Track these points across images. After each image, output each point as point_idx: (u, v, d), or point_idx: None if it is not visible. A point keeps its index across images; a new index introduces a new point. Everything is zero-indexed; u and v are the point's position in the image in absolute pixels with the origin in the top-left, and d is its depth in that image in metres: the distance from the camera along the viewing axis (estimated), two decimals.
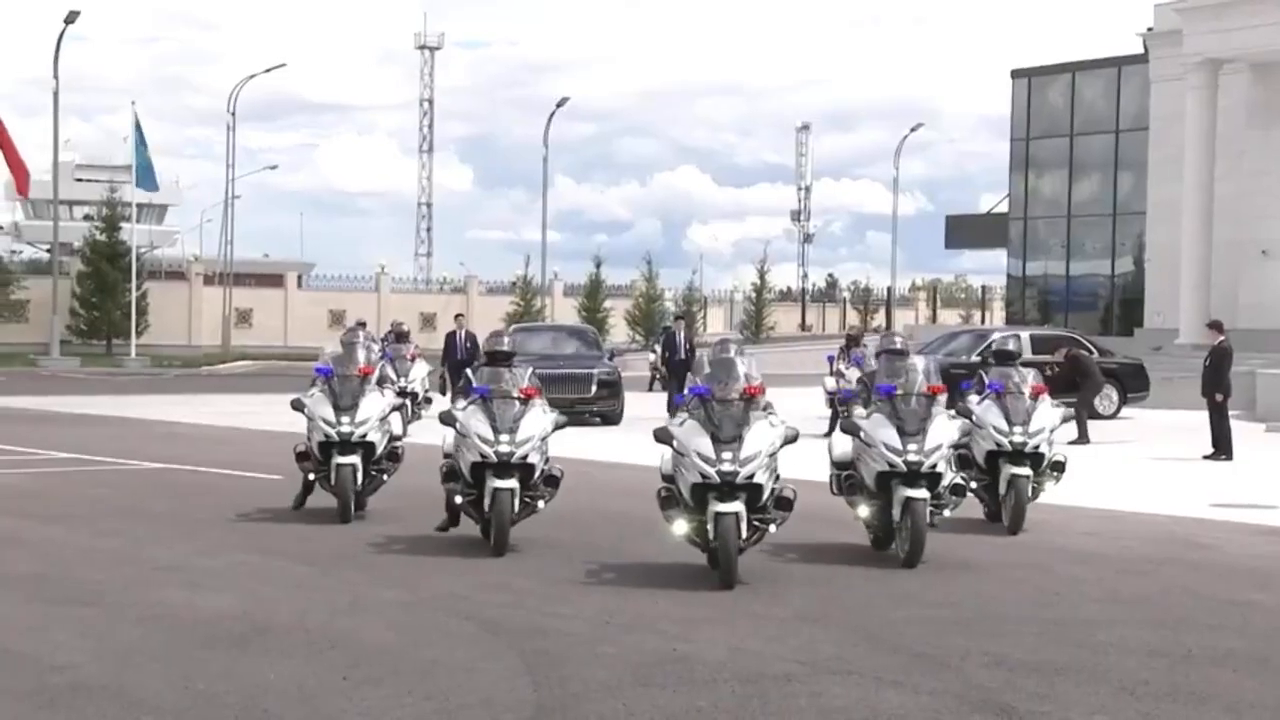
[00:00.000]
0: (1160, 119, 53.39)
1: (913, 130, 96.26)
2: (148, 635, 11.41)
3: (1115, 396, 38.24)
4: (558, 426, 15.39)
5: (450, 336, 35.33)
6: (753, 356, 14.63)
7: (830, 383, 31.50)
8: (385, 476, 17.67)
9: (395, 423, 17.96)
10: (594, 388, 32.68)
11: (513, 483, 14.65)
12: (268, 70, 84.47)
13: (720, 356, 14.03)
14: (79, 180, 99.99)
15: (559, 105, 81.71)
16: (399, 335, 35.16)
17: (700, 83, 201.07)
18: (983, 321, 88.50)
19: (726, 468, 13.06)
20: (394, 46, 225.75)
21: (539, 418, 15.19)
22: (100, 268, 72.46)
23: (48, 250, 75.94)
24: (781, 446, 13.52)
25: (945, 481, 14.87)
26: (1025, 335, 40.10)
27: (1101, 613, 12.80)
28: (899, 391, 15.02)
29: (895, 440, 14.56)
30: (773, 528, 13.52)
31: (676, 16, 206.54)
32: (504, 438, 14.68)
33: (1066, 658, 11.05)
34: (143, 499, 19.94)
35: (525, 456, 14.81)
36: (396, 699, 9.47)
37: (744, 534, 13.17)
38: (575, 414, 29.29)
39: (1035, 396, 17.59)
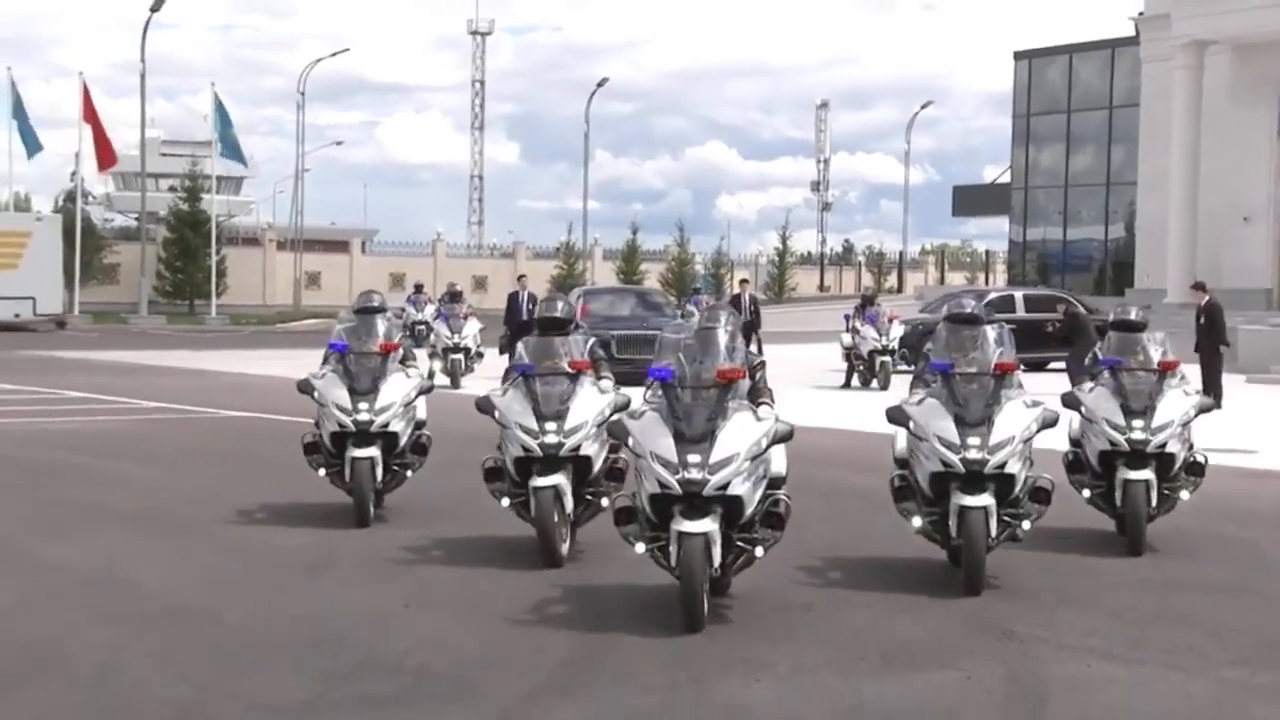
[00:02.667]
0: (1150, 96, 53.05)
1: (923, 107, 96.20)
2: (234, 564, 11.59)
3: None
4: (617, 408, 11.55)
5: (513, 297, 34.82)
6: (738, 330, 10.55)
7: (847, 339, 31.75)
8: (409, 471, 13.87)
9: (421, 408, 14.06)
10: None
11: (559, 479, 11.39)
12: (334, 54, 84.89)
13: (703, 327, 10.32)
14: (164, 155, 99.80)
15: (599, 86, 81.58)
16: (453, 295, 35.21)
17: (727, 64, 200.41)
18: (986, 283, 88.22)
19: (693, 475, 9.37)
20: (448, 32, 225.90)
21: (592, 398, 11.75)
22: (184, 234, 72.70)
23: (136, 218, 76.09)
24: (769, 447, 9.83)
25: (1020, 485, 10.81)
26: (1019, 295, 39.90)
27: (1096, 547, 12.81)
28: (956, 370, 10.90)
29: (952, 433, 10.56)
30: (760, 550, 9.77)
31: (706, 3, 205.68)
32: (550, 425, 11.34)
33: (1063, 586, 11.09)
34: (225, 444, 20.08)
35: (577, 448, 11.49)
36: (455, 622, 9.59)
37: (716, 559, 9.55)
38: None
39: (1163, 376, 12.59)
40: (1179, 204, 48.29)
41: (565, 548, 11.58)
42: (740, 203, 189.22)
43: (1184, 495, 12.71)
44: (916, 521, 10.94)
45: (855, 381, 31.13)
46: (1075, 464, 12.98)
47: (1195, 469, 12.75)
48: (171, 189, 79.93)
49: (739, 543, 9.69)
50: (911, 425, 10.80)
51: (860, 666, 8.75)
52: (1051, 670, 8.70)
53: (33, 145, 62.98)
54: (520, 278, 37.38)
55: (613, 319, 28.73)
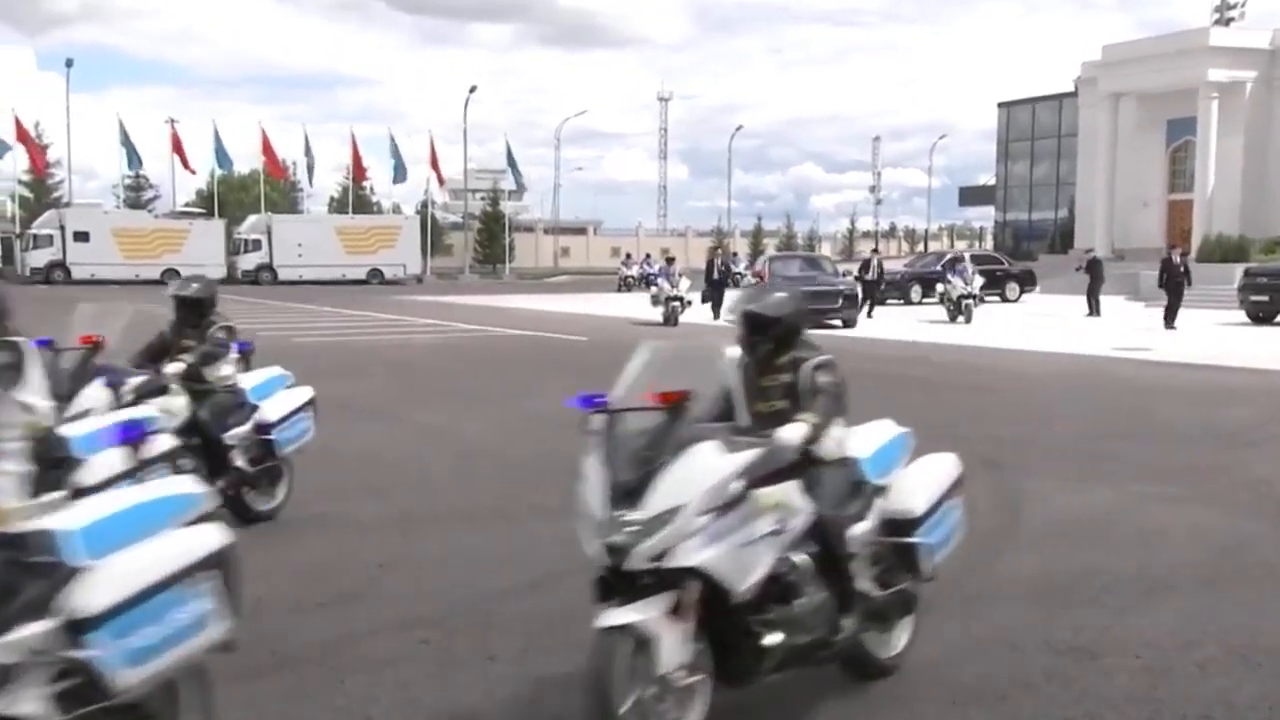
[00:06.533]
0: (1085, 129, 51.23)
1: (940, 139, 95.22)
2: (532, 423, 11.46)
3: (1018, 289, 35.59)
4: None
5: (710, 263, 32.93)
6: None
7: (941, 287, 28.23)
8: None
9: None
10: (840, 300, 25.17)
11: None
12: (576, 115, 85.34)
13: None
14: (477, 178, 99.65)
15: (737, 129, 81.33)
16: (669, 260, 34.28)
17: (816, 114, 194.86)
18: (981, 248, 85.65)
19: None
20: (646, 100, 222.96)
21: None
22: (489, 225, 73.52)
23: (462, 217, 77.11)
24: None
25: None
26: (968, 255, 37.70)
27: (1050, 409, 12.40)
28: None
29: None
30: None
31: (802, 76, 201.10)
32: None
33: (1031, 434, 10.75)
34: (515, 352, 20.20)
35: None
36: None
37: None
38: (824, 319, 23.81)
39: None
40: (1102, 195, 47.08)
41: None
42: (825, 200, 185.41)
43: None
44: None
45: (945, 316, 27.15)
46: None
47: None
48: (482, 199, 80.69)
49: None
50: None
51: None
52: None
53: (401, 175, 64.35)
54: (712, 249, 35.74)
55: (789, 278, 25.04)
